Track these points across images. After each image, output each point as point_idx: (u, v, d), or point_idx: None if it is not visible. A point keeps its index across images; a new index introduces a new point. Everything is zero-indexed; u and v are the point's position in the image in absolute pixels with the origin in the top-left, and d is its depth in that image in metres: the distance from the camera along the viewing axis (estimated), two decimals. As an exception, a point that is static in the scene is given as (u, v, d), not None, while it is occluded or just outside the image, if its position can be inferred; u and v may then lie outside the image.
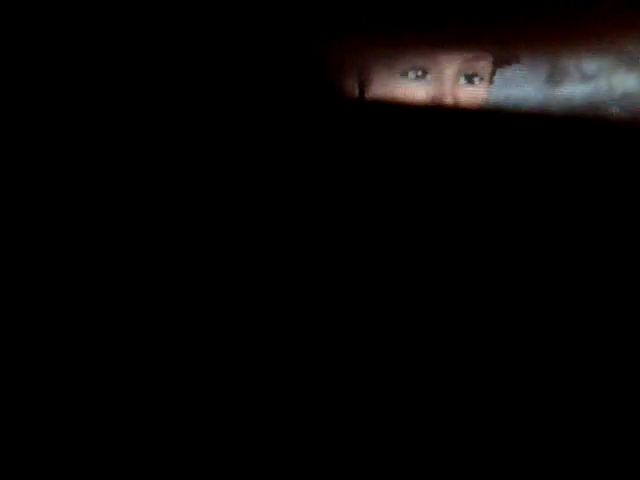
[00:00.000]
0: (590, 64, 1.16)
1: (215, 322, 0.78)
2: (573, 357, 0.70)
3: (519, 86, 1.15)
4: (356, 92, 1.07)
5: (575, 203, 0.74)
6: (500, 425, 0.71)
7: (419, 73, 1.07)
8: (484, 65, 1.11)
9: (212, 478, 0.74)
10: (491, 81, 1.12)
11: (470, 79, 1.08)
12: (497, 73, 1.11)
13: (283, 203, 0.79)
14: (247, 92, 0.85)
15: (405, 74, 1.07)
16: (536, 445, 0.70)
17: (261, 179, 0.80)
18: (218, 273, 0.79)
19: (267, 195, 0.80)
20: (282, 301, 0.77)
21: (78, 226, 0.81)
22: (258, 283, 0.78)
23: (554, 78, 1.17)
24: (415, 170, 0.77)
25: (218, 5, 0.89)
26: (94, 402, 0.78)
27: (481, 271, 0.75)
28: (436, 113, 0.88)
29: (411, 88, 1.06)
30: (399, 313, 0.74)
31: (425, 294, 0.75)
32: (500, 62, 1.11)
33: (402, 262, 0.76)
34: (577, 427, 0.69)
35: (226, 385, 0.77)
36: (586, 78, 1.16)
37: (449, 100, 1.05)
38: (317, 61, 0.98)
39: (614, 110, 1.11)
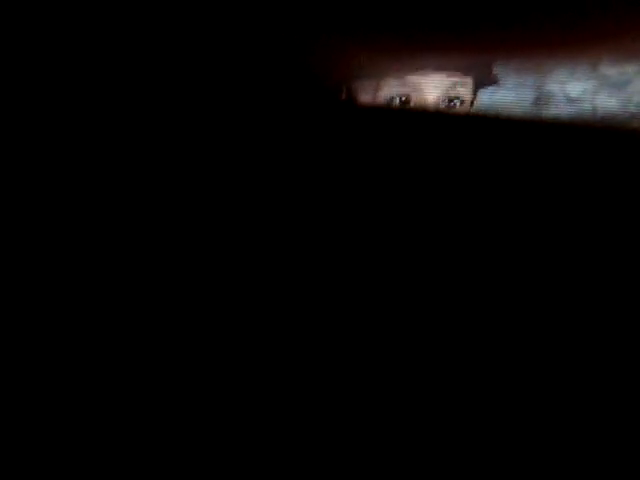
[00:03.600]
0: (574, 87, 1.19)
1: (215, 322, 0.78)
2: (573, 357, 0.71)
3: (504, 106, 1.17)
4: (345, 96, 1.08)
5: (563, 213, 0.75)
6: (500, 425, 0.71)
7: (403, 99, 1.09)
8: (465, 88, 1.13)
9: (212, 478, 0.74)
10: (472, 104, 1.14)
11: (452, 102, 1.11)
12: (480, 95, 1.14)
13: (277, 205, 0.80)
14: (242, 96, 0.85)
15: (390, 100, 1.09)
16: (536, 445, 0.70)
17: (255, 181, 0.81)
18: (217, 273, 0.80)
19: (262, 197, 0.80)
20: (279, 301, 0.77)
21: (78, 226, 0.81)
22: (254, 284, 0.78)
23: (539, 101, 1.19)
24: (402, 177, 0.78)
25: (216, 10, 0.90)
26: (94, 402, 0.77)
27: (468, 277, 0.76)
28: (422, 124, 0.90)
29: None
30: (395, 314, 0.75)
31: (417, 297, 0.76)
32: (482, 84, 1.13)
33: (396, 265, 0.77)
34: (577, 427, 0.69)
35: (226, 385, 0.77)
36: (570, 100, 1.19)
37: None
38: (306, 79, 0.99)
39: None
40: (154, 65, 0.87)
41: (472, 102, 1.16)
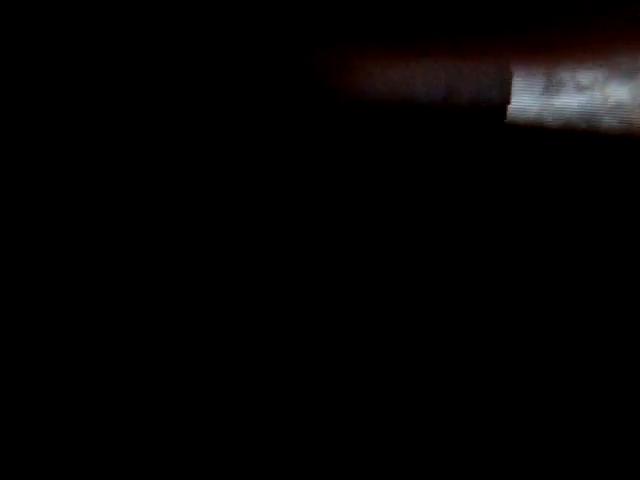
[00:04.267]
0: (585, 76, 1.18)
1: (215, 322, 0.79)
2: (573, 357, 0.71)
3: (516, 96, 1.17)
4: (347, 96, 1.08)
5: (568, 209, 0.76)
6: (500, 425, 0.72)
7: (403, 99, 1.09)
8: (469, 89, 1.13)
9: (212, 478, 0.75)
10: (478, 104, 1.14)
11: (454, 102, 1.11)
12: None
13: (279, 202, 0.80)
14: (242, 96, 0.86)
15: (390, 100, 1.09)
16: (536, 445, 0.71)
17: (257, 179, 0.81)
18: (217, 273, 0.80)
19: (264, 194, 0.80)
20: (278, 300, 0.78)
21: (78, 226, 0.82)
22: (255, 282, 0.79)
23: (550, 89, 1.19)
24: (401, 174, 0.78)
25: (221, 13, 0.91)
26: (94, 402, 0.78)
27: (468, 275, 0.76)
28: (423, 119, 0.90)
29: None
30: (395, 313, 0.75)
31: (420, 295, 0.76)
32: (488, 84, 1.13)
33: (397, 263, 0.77)
34: (577, 427, 0.70)
35: (226, 385, 0.78)
36: (581, 89, 1.18)
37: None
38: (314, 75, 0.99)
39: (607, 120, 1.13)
40: (155, 66, 0.87)
41: (477, 101, 1.16)
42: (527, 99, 1.17)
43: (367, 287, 0.78)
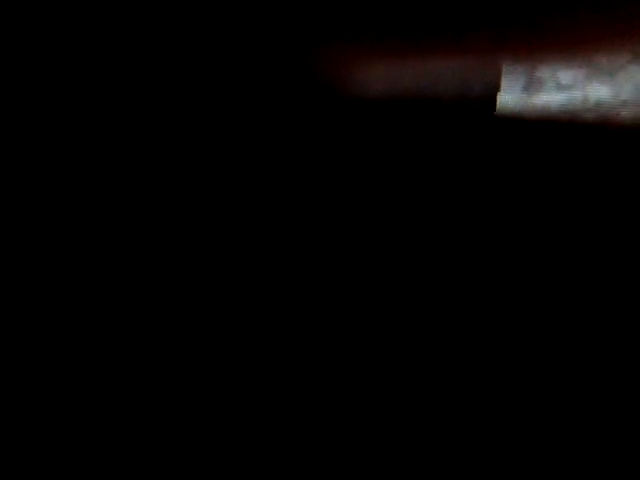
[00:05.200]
0: (565, 75, 1.18)
1: (215, 322, 0.78)
2: (573, 357, 0.71)
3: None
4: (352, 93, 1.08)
5: (553, 205, 0.75)
6: (500, 425, 0.71)
7: (402, 98, 1.10)
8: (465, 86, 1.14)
9: (212, 478, 0.74)
10: (473, 101, 1.15)
11: (451, 100, 1.11)
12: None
13: (281, 201, 0.79)
14: (244, 95, 0.85)
15: (389, 99, 1.09)
16: (536, 445, 0.70)
17: (257, 176, 0.80)
18: (217, 273, 0.79)
19: (266, 193, 0.80)
20: (278, 300, 0.77)
21: (78, 226, 0.81)
22: (256, 282, 0.78)
23: (530, 88, 1.19)
24: (402, 171, 0.78)
25: (223, 13, 0.90)
26: (94, 402, 0.77)
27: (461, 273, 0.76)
28: (423, 116, 0.89)
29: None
30: (395, 313, 0.75)
31: (422, 294, 0.76)
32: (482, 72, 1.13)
33: (399, 262, 0.77)
34: (577, 427, 0.69)
35: (226, 384, 0.77)
36: (561, 88, 1.18)
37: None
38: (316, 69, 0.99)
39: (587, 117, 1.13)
40: (157, 65, 0.87)
41: (472, 99, 1.16)
42: (507, 97, 1.17)
43: (368, 285, 0.78)
